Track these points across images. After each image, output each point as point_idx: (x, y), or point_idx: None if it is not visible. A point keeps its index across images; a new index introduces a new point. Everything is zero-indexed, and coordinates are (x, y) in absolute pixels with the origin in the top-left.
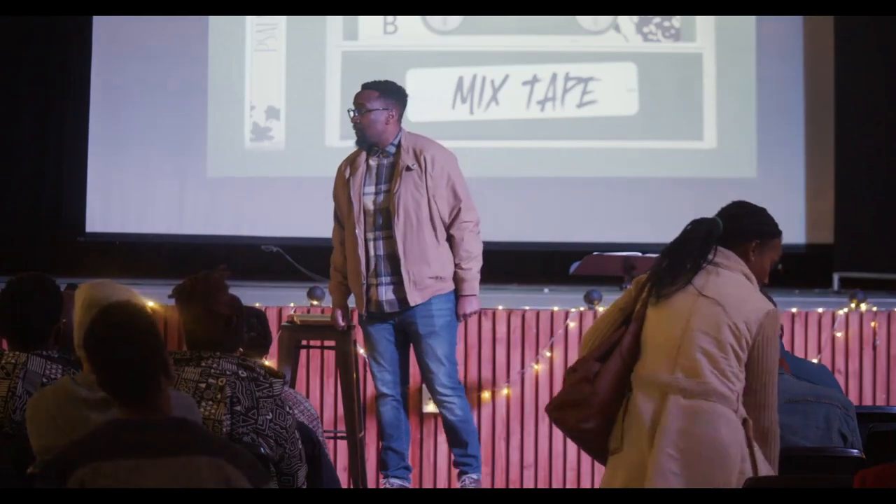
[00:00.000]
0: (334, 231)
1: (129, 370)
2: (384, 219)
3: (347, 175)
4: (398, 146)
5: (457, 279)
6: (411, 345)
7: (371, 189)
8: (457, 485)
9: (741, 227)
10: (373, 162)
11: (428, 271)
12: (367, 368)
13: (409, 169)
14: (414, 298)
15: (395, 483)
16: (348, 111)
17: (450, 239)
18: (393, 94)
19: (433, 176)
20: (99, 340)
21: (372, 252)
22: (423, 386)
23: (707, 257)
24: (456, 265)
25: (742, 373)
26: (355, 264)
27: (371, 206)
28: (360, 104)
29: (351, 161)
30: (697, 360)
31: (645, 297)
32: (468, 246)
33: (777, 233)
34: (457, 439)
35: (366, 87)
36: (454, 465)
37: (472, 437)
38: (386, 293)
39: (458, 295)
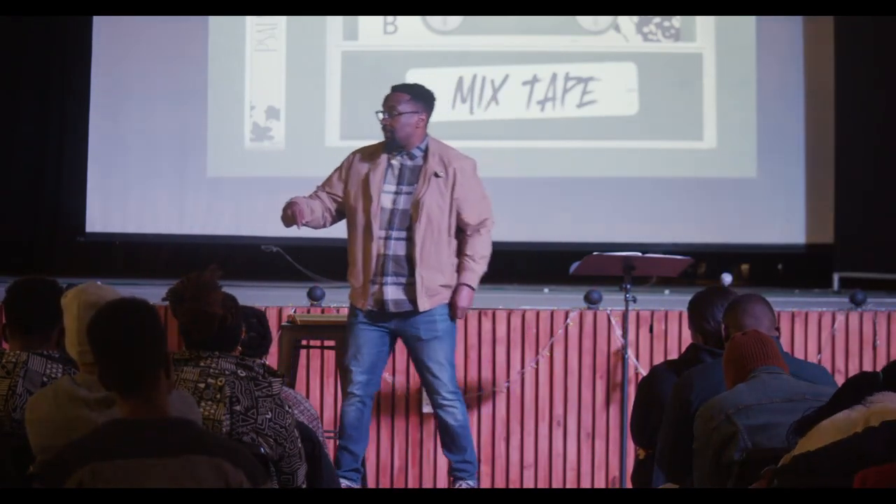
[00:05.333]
0: (312, 195)
1: (128, 357)
2: (401, 220)
3: (366, 169)
4: (425, 150)
5: (460, 268)
6: (393, 351)
7: (391, 188)
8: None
9: None
10: (395, 161)
11: (440, 279)
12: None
13: (437, 175)
14: (423, 304)
15: (344, 484)
16: (377, 113)
17: (469, 236)
18: (423, 98)
19: (461, 188)
20: (102, 326)
21: (381, 250)
22: (422, 387)
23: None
24: (468, 256)
25: None
26: (361, 259)
27: (388, 205)
28: (391, 106)
29: (369, 154)
30: None
31: None
32: (484, 241)
33: None
34: (455, 444)
35: (396, 89)
36: (450, 473)
37: (469, 443)
38: (394, 293)
39: (457, 283)
